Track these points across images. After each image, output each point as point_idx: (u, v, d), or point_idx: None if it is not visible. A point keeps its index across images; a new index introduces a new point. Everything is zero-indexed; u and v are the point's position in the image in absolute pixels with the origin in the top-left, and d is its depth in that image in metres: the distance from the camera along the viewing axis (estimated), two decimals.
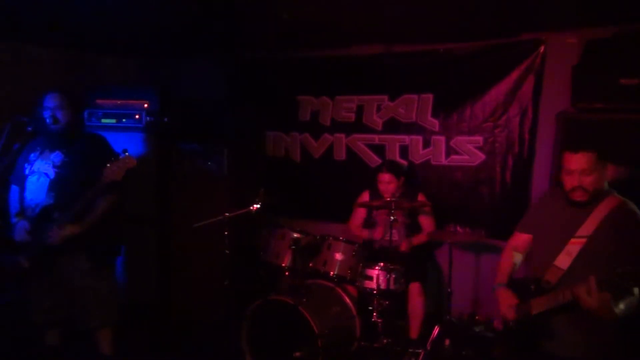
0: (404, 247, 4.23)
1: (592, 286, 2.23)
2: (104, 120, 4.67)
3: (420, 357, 3.75)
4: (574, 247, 2.53)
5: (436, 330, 3.90)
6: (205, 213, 3.91)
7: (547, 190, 2.94)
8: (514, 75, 4.28)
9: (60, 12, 3.74)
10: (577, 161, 2.54)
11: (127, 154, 3.17)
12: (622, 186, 3.45)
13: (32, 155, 3.39)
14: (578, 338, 2.52)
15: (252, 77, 5.40)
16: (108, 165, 3.12)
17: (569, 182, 2.58)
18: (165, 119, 4.84)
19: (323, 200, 5.19)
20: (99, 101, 4.76)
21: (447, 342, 3.86)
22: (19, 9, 3.63)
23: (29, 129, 3.38)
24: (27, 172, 3.35)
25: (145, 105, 4.75)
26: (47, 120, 3.29)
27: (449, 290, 4.01)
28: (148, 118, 4.70)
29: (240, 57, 5.41)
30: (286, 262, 3.99)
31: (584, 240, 2.51)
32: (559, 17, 3.82)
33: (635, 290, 2.21)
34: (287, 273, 3.99)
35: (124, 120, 4.69)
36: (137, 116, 4.68)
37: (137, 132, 4.71)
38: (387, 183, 4.25)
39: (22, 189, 3.38)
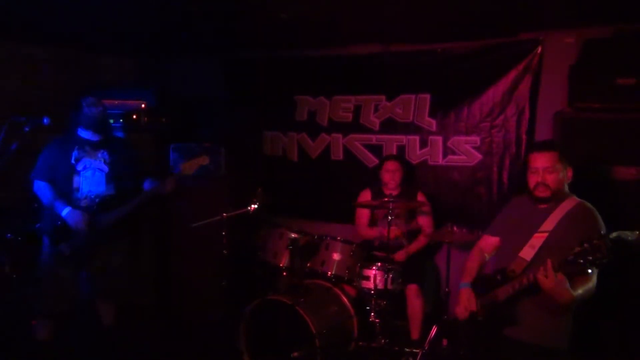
0: (400, 257, 4.20)
1: (548, 267, 2.43)
2: None
3: (418, 357, 3.75)
4: (537, 240, 2.73)
5: (434, 330, 3.90)
6: (203, 213, 3.91)
7: (514, 197, 3.14)
8: (512, 75, 4.28)
9: (58, 12, 3.73)
10: (541, 159, 2.75)
11: (202, 154, 3.85)
12: (630, 187, 3.51)
13: (75, 153, 3.62)
14: (538, 322, 2.68)
15: (249, 76, 5.40)
16: (184, 161, 3.79)
17: (533, 179, 2.78)
18: (163, 119, 4.83)
19: (321, 200, 5.19)
20: None
21: (445, 342, 3.87)
22: (17, 8, 3.63)
23: (26, 129, 3.39)
24: (79, 168, 3.62)
25: (143, 106, 4.74)
26: (97, 125, 3.65)
27: (446, 290, 4.01)
28: (145, 118, 4.69)
29: (238, 57, 5.41)
30: (284, 262, 3.99)
31: (545, 234, 2.72)
32: (556, 17, 3.83)
33: (588, 270, 2.42)
34: (285, 273, 3.99)
35: (121, 120, 4.69)
36: (134, 116, 4.67)
37: (135, 132, 4.70)
38: (393, 172, 4.36)
39: (70, 183, 3.61)
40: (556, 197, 2.76)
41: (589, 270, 2.41)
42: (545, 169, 2.73)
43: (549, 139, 3.94)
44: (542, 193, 2.75)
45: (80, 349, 3.89)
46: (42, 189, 3.60)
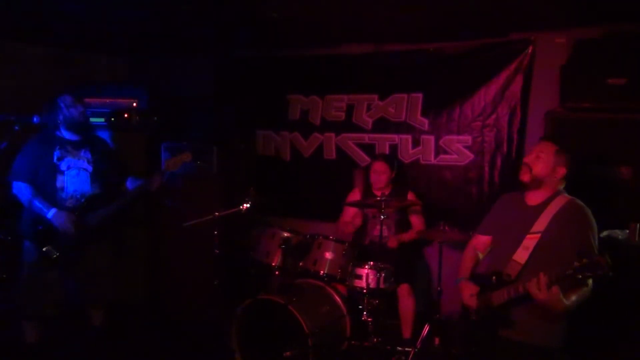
0: (392, 243, 4.24)
1: (541, 282, 2.42)
2: (92, 120, 4.59)
3: (410, 355, 3.76)
4: (530, 242, 2.70)
5: (426, 328, 3.91)
6: (195, 212, 3.90)
7: (503, 195, 3.13)
8: (503, 74, 4.30)
9: (50, 11, 3.71)
10: (539, 146, 2.78)
11: (186, 151, 3.89)
12: (620, 187, 3.52)
13: (56, 153, 3.57)
14: (533, 323, 2.66)
15: (242, 75, 5.39)
16: (169, 157, 3.87)
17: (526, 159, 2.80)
18: (155, 118, 4.82)
19: (313, 200, 5.18)
20: (87, 100, 4.69)
21: (437, 340, 3.88)
22: (9, 7, 3.60)
23: (16, 128, 3.37)
24: (63, 167, 3.59)
25: (134, 104, 4.72)
26: (79, 127, 3.64)
27: (438, 289, 4.02)
28: (137, 117, 4.67)
29: (230, 56, 5.40)
30: (276, 262, 3.98)
31: (538, 235, 2.69)
32: (547, 17, 3.85)
33: (590, 281, 2.48)
34: (277, 272, 3.98)
35: (112, 119, 4.66)
36: (126, 115, 4.65)
37: (126, 131, 4.68)
38: (380, 173, 4.34)
39: (54, 183, 3.56)
40: (534, 186, 2.76)
41: (590, 281, 2.45)
42: (537, 155, 2.74)
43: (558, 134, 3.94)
44: (522, 176, 2.77)
45: (69, 351, 3.87)
46: (22, 190, 3.52)
